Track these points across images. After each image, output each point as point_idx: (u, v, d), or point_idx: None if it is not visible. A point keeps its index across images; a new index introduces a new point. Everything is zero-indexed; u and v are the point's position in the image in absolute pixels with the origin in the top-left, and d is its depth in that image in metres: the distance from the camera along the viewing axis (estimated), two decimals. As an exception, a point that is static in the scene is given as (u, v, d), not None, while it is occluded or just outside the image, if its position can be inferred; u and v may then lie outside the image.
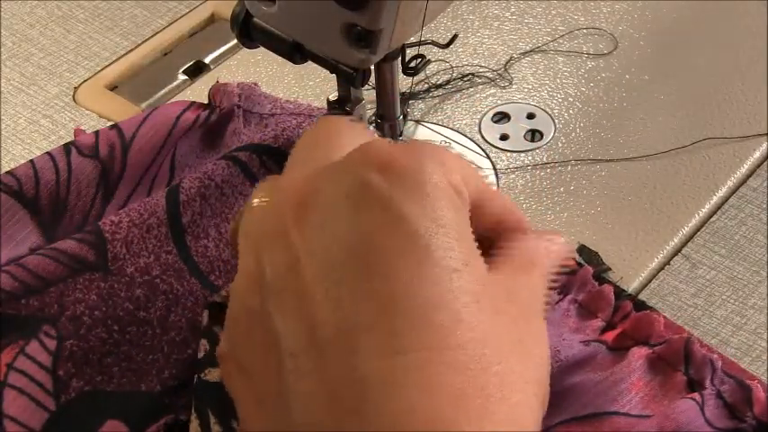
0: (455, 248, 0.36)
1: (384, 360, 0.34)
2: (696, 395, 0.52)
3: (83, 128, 0.67)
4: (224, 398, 0.47)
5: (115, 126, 0.62)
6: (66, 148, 0.61)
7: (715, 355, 0.54)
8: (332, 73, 0.54)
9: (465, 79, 0.73)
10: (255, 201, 0.40)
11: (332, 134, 0.42)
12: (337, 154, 0.39)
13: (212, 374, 0.49)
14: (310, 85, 0.73)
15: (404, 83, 0.68)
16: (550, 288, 0.40)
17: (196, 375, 0.49)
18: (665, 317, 0.57)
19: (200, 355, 0.50)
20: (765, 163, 0.68)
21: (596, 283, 0.58)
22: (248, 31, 0.55)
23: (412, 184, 0.36)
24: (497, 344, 0.35)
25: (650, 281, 0.61)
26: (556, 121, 0.70)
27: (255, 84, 0.67)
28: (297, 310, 0.36)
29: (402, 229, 0.35)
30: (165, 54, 0.77)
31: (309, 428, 0.34)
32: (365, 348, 0.34)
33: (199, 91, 0.72)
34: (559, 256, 0.41)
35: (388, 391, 0.33)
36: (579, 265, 0.59)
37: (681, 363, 0.54)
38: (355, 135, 0.41)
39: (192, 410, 0.48)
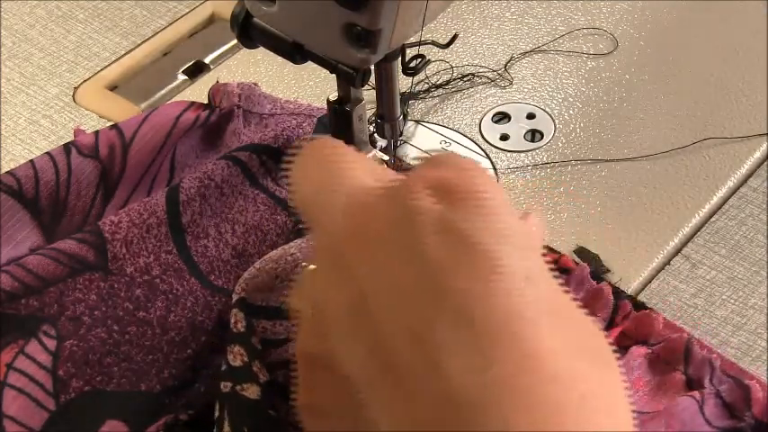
0: (523, 258, 0.35)
1: (471, 377, 0.33)
2: (696, 393, 0.52)
3: (83, 128, 0.66)
4: (262, 418, 0.46)
5: (115, 126, 0.62)
6: (66, 148, 0.61)
7: (714, 356, 0.54)
8: (332, 73, 0.54)
9: (465, 79, 0.73)
10: (311, 266, 0.41)
11: (332, 161, 0.41)
12: (353, 182, 0.39)
13: (250, 391, 0.47)
14: (310, 85, 0.73)
15: (404, 83, 0.68)
16: None
17: (229, 385, 0.48)
18: (664, 317, 0.57)
19: (237, 363, 0.49)
20: (765, 163, 0.67)
21: (594, 282, 0.58)
22: (248, 31, 0.55)
23: (468, 201, 0.36)
24: (574, 352, 0.34)
25: (650, 281, 0.61)
26: (556, 121, 0.70)
27: (255, 84, 0.67)
28: (367, 341, 0.35)
29: (467, 246, 0.35)
30: (165, 54, 0.77)
31: None
32: (449, 368, 0.33)
33: (199, 91, 0.72)
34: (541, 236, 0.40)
35: (481, 409, 0.32)
36: (576, 264, 0.59)
37: (680, 362, 0.54)
38: (356, 157, 0.41)
39: (226, 426, 0.47)
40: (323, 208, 0.39)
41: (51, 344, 0.53)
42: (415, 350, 0.34)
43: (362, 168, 0.40)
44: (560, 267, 0.59)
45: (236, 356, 0.49)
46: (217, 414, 0.48)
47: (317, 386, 0.38)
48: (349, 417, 0.37)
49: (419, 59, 0.57)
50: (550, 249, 0.61)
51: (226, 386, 0.48)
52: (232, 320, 0.50)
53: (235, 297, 0.51)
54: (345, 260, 0.37)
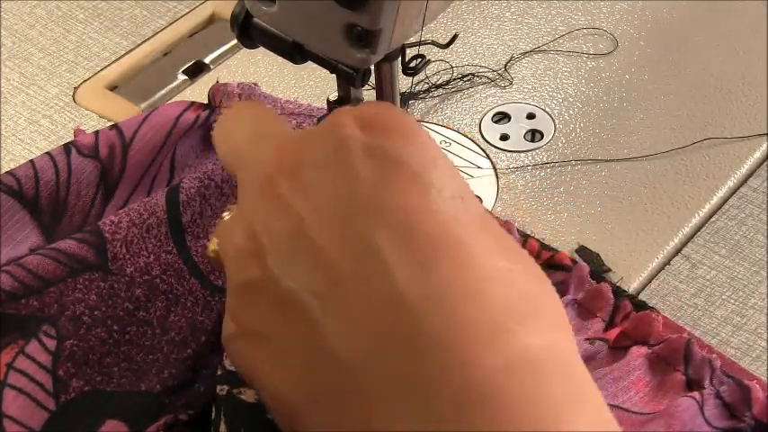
0: (453, 181, 0.38)
1: (417, 280, 0.34)
2: (696, 394, 0.52)
3: (83, 128, 0.66)
4: (259, 420, 0.46)
5: (115, 126, 0.62)
6: (66, 148, 0.61)
7: (714, 356, 0.54)
8: (332, 73, 0.54)
9: (465, 79, 0.73)
10: (226, 214, 0.43)
11: (262, 115, 0.45)
12: (284, 128, 0.42)
13: (247, 394, 0.48)
14: (310, 85, 0.73)
15: (404, 83, 0.68)
16: None
17: (226, 388, 0.48)
18: (664, 317, 0.57)
19: (233, 367, 0.49)
20: (765, 163, 0.68)
21: (593, 282, 0.58)
22: (248, 31, 0.55)
23: (399, 131, 0.38)
24: (507, 258, 0.36)
25: (650, 281, 0.61)
26: (556, 121, 0.70)
27: (255, 84, 0.67)
28: (309, 262, 0.36)
29: (401, 170, 0.37)
30: (165, 54, 0.77)
31: (353, 356, 0.35)
32: (394, 274, 0.35)
33: (199, 91, 0.72)
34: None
35: (430, 306, 0.34)
36: (574, 262, 0.59)
37: (680, 362, 0.54)
38: (281, 117, 0.43)
39: (222, 426, 0.47)
40: (254, 151, 0.41)
41: (51, 344, 0.53)
42: (358, 262, 0.36)
43: (288, 124, 0.44)
44: (557, 264, 0.59)
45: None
46: (214, 415, 0.48)
47: (256, 311, 0.39)
48: (293, 336, 0.37)
49: (419, 59, 0.57)
50: (547, 247, 0.61)
51: (222, 389, 0.48)
52: None
53: None
54: (280, 190, 0.38)
